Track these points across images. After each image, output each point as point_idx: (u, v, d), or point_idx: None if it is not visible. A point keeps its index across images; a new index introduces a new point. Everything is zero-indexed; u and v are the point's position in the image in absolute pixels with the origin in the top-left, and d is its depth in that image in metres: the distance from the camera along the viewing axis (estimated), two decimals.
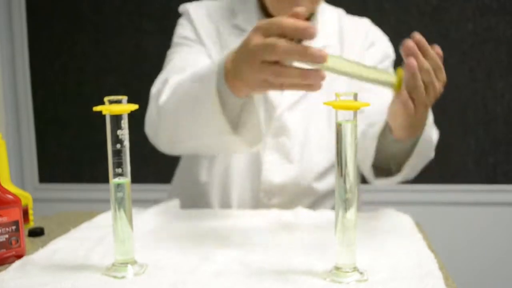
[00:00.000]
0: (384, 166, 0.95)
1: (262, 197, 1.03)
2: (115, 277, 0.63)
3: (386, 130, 0.90)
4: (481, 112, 1.96)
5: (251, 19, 1.05)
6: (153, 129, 0.97)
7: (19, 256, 0.71)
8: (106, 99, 0.62)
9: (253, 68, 0.71)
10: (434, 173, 2.00)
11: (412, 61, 0.74)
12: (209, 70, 0.81)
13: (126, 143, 0.63)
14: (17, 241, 0.70)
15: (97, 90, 2.03)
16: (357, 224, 0.62)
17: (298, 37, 0.68)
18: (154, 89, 0.98)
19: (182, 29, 1.09)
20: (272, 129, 1.02)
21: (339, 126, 0.60)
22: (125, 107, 0.62)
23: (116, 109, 0.62)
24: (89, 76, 2.09)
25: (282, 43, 0.67)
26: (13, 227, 0.70)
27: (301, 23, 0.67)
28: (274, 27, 0.69)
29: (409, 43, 0.74)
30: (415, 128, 0.84)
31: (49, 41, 2.11)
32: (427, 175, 2.01)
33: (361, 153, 0.95)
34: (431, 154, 0.95)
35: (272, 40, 0.68)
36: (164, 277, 0.63)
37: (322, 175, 1.05)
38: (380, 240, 0.76)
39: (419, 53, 0.74)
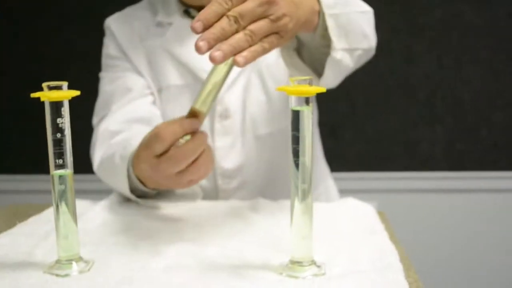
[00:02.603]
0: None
1: (221, 183, 1.01)
2: (57, 275, 0.59)
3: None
4: (449, 99, 1.96)
5: (171, 12, 1.04)
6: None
7: None
8: (44, 85, 0.58)
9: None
10: (402, 160, 2.00)
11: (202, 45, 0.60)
12: (122, 162, 0.84)
13: (67, 132, 0.59)
14: None
15: (59, 78, 1.95)
16: (316, 215, 0.59)
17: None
18: (94, 121, 1.04)
19: (106, 49, 1.09)
20: (217, 113, 1.00)
21: (294, 112, 0.57)
22: (65, 94, 0.58)
23: (55, 95, 0.57)
24: (51, 63, 2.02)
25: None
26: None
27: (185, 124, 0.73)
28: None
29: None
30: (306, 23, 0.75)
31: (9, 25, 2.03)
32: (395, 163, 2.02)
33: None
34: (362, 9, 0.88)
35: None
36: (111, 274, 0.59)
37: (270, 148, 1.03)
38: (340, 231, 0.73)
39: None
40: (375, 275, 0.57)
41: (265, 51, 0.64)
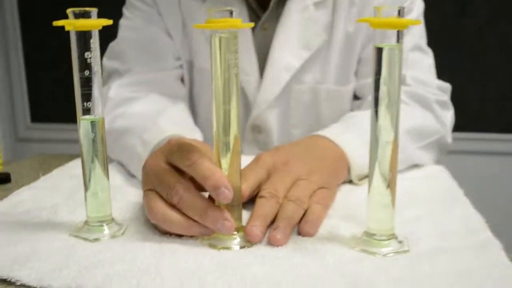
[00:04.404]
0: None
1: None
2: (86, 239, 0.50)
3: None
4: (501, 54, 1.80)
5: None
6: None
7: None
8: (69, 11, 0.47)
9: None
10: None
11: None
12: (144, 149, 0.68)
13: (97, 69, 0.48)
14: None
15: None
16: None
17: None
18: (105, 62, 0.89)
19: None
20: (249, 125, 0.91)
21: (378, 50, 0.45)
22: (94, 22, 0.47)
23: (81, 24, 0.47)
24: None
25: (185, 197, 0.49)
26: None
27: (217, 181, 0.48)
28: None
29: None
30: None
31: None
32: None
33: None
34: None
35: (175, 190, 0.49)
36: (146, 240, 0.50)
37: None
38: (416, 198, 0.62)
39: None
40: (472, 254, 0.46)
41: (328, 208, 0.58)
